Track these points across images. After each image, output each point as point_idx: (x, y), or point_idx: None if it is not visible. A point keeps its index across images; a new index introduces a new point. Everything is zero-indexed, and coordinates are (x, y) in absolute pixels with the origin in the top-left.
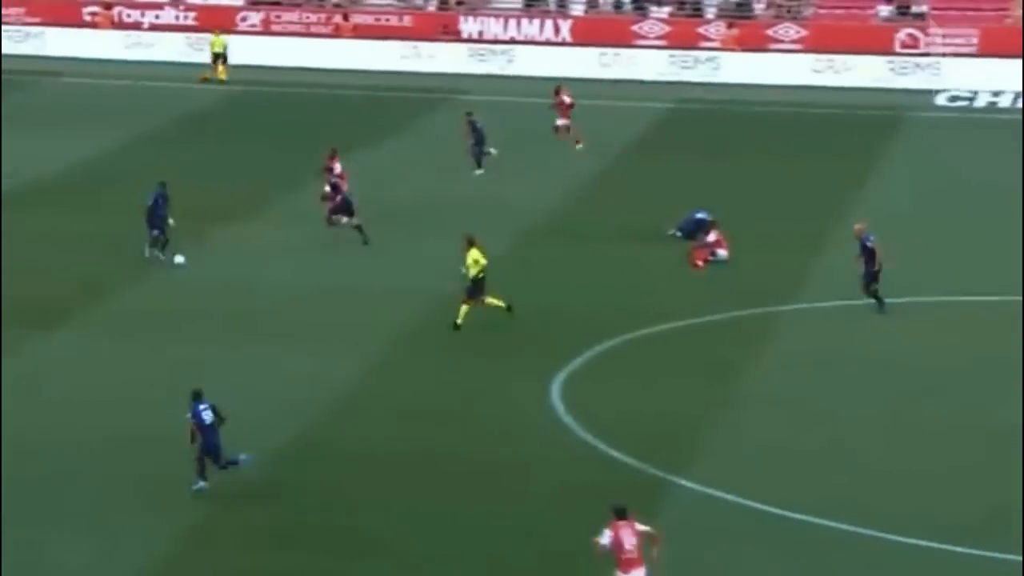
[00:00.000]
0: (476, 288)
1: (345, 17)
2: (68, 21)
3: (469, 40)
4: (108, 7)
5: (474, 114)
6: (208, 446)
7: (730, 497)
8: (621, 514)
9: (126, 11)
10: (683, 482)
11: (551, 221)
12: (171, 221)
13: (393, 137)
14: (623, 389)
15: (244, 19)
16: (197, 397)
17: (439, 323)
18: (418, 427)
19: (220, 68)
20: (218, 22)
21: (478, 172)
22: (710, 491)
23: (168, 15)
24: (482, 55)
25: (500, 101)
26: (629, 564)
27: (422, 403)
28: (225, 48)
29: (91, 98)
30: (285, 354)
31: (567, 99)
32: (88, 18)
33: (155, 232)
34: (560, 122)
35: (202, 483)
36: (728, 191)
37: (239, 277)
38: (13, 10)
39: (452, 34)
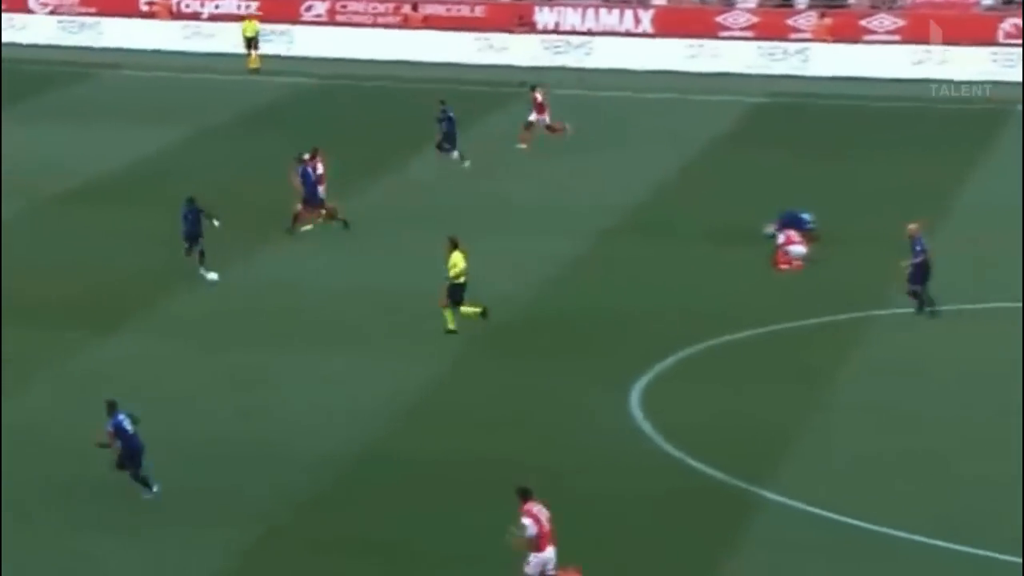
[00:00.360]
0: (455, 292)
1: (415, 7)
2: (125, 11)
3: (545, 31)
4: None
5: (446, 103)
6: (130, 456)
7: (817, 510)
8: (527, 495)
9: (185, 0)
10: (768, 494)
11: (633, 219)
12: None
13: (463, 133)
14: (705, 396)
15: (309, 8)
16: (113, 409)
17: (510, 327)
18: (487, 436)
19: (253, 56)
20: (282, 11)
21: (460, 161)
22: (796, 503)
23: (229, 4)
24: (558, 47)
25: (577, 95)
26: (546, 542)
27: (491, 411)
28: (257, 33)
29: (150, 91)
30: (348, 359)
31: (540, 97)
32: (145, 8)
33: (188, 246)
34: (532, 118)
35: (153, 489)
36: (820, 189)
37: (301, 279)
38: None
39: (527, 25)
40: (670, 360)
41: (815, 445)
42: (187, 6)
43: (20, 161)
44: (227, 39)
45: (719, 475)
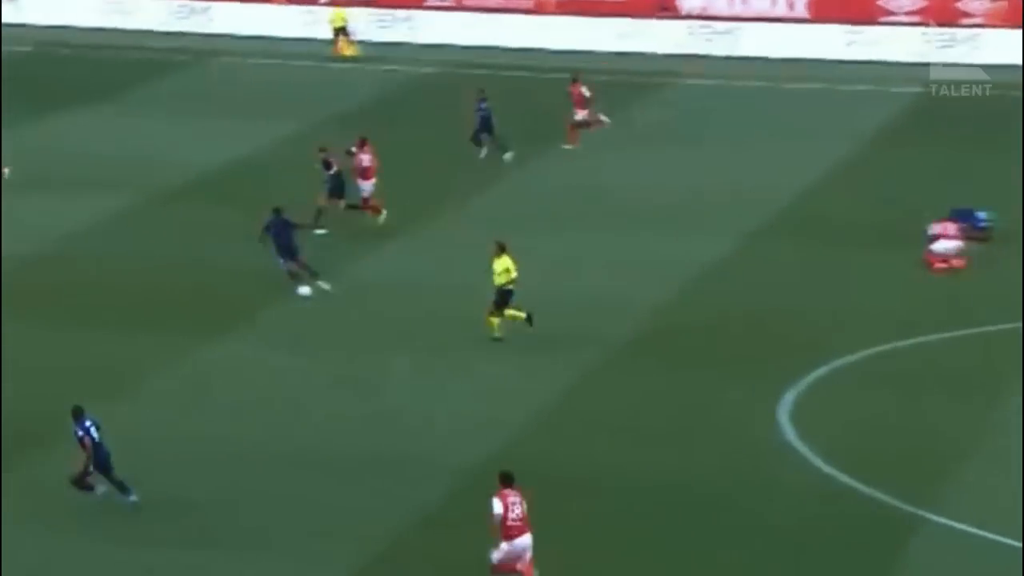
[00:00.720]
0: (502, 298)
1: None
2: None
3: (689, 17)
4: None
5: (484, 92)
6: (98, 462)
7: (987, 535)
8: (507, 481)
9: None
10: (934, 517)
11: (788, 217)
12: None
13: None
14: (861, 409)
15: None
16: (80, 413)
17: (652, 333)
18: (626, 449)
19: (342, 43)
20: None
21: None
22: (965, 527)
23: None
24: (704, 34)
25: (724, 86)
26: (513, 531)
27: (632, 422)
28: (346, 22)
29: (264, 80)
30: (482, 365)
31: (586, 92)
32: None
33: (282, 263)
34: (579, 116)
35: (102, 488)
36: (992, 185)
37: (428, 279)
38: None
39: (671, 10)
40: (823, 370)
41: (984, 466)
42: None
43: (125, 154)
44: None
45: (876, 494)
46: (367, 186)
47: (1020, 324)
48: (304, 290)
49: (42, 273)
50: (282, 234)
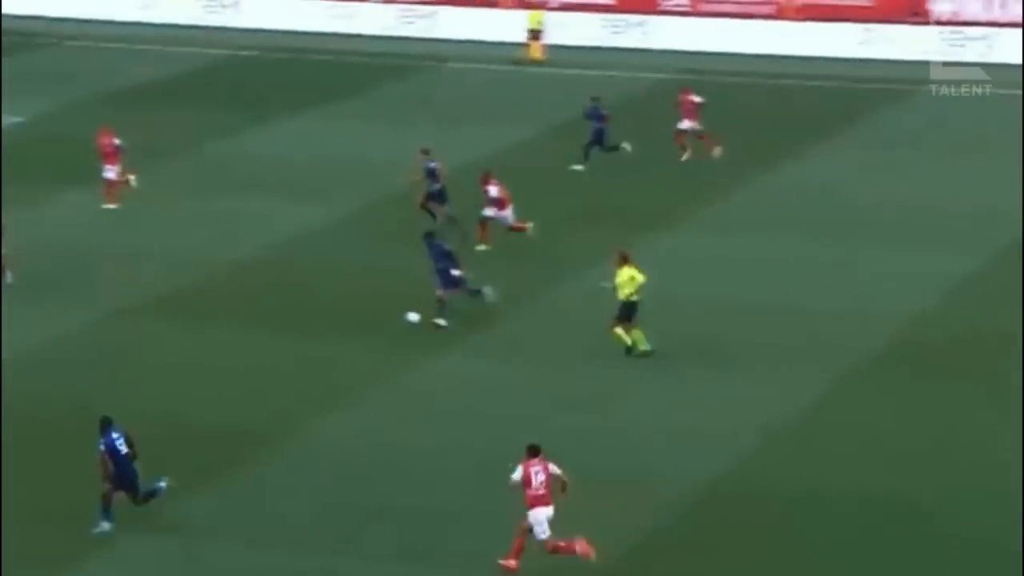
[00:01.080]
0: (627, 310)
1: None
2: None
3: (940, 23)
4: None
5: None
6: (122, 479)
7: None
8: (533, 452)
9: None
10: None
11: None
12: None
13: (843, 135)
14: None
15: None
16: (107, 425)
17: (910, 346)
18: (869, 470)
19: (534, 46)
20: (637, 3)
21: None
22: None
23: None
24: (957, 40)
25: (978, 95)
26: (536, 501)
27: (879, 441)
28: (541, 25)
29: (492, 86)
30: (717, 379)
31: (696, 98)
32: None
33: (442, 289)
34: (684, 125)
35: (105, 525)
36: None
37: (663, 290)
38: None
39: (921, 15)
40: None
41: None
42: None
43: (350, 158)
44: (577, 30)
45: None
46: (507, 215)
47: None
48: (413, 316)
49: (267, 275)
50: (440, 259)
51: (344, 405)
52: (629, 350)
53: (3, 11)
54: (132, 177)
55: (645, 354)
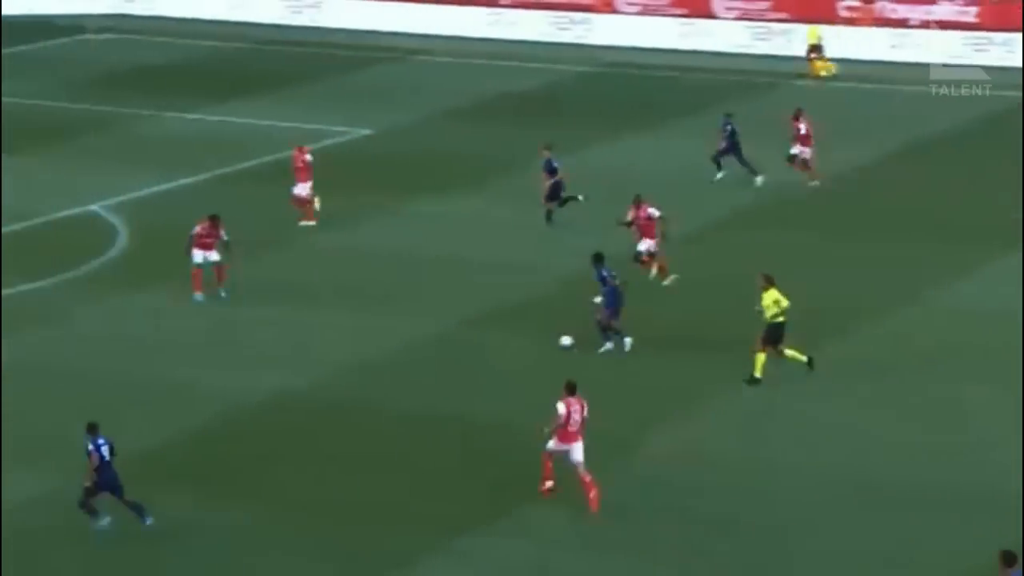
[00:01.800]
0: (772, 333)
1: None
2: (823, 16)
3: None
4: (870, 0)
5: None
6: (105, 482)
7: None
8: (571, 390)
9: (890, 5)
10: None
11: None
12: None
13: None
14: None
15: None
16: (93, 431)
17: None
18: None
19: (817, 62)
20: (1005, 20)
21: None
22: None
23: (943, 10)
24: None
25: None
26: (568, 437)
27: None
28: (820, 39)
29: (850, 104)
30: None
31: (804, 128)
32: (845, 13)
33: (607, 313)
34: (795, 150)
35: (104, 520)
36: None
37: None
38: (758, 4)
39: None
40: None
41: None
42: (893, 11)
43: (683, 176)
44: (937, 48)
45: None
46: (649, 244)
47: None
48: (566, 340)
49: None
50: (611, 296)
51: (689, 416)
52: (810, 362)
53: (354, 27)
54: (317, 199)
55: (754, 381)
